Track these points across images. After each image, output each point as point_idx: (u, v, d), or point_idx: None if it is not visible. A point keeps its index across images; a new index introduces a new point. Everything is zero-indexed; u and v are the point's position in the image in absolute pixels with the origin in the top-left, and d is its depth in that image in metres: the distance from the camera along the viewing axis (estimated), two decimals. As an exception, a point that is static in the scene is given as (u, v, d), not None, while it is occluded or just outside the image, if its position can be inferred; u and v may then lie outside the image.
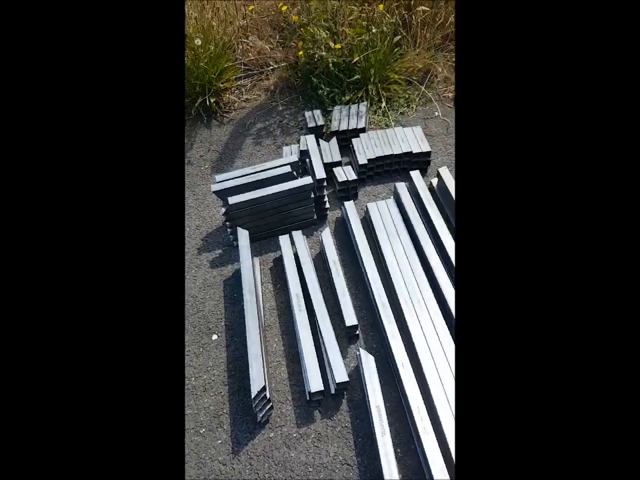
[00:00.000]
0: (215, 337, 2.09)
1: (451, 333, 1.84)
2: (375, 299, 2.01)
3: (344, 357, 1.93)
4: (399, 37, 3.20)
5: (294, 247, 2.24)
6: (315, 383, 1.76)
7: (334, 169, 2.51)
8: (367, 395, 1.73)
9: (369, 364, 1.80)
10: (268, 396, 1.77)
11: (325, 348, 1.86)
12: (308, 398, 1.81)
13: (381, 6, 3.07)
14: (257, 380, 1.75)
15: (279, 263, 2.30)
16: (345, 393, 1.85)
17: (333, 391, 1.81)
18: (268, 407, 1.78)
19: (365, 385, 1.76)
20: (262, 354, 1.85)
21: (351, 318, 1.95)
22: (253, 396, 1.71)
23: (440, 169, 2.43)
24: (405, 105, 3.15)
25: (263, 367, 1.81)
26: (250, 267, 2.10)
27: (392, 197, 2.45)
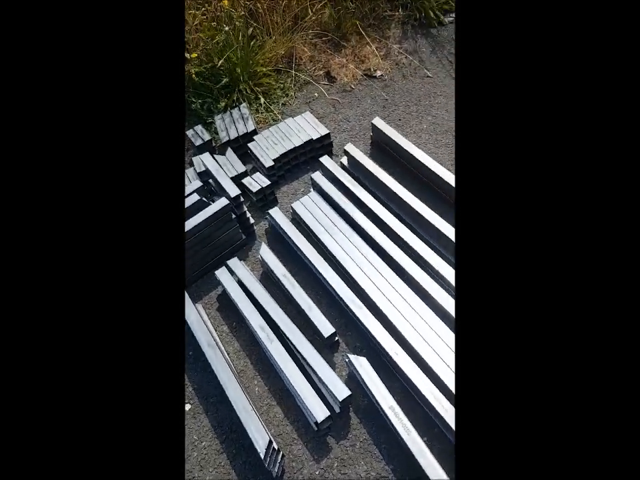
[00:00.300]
0: (187, 406, 1.81)
1: (426, 304, 1.80)
2: (341, 298, 1.89)
3: (333, 368, 1.79)
4: (251, 29, 3.05)
5: (235, 276, 2.02)
6: (319, 412, 1.61)
7: (243, 181, 2.31)
8: (376, 399, 1.62)
9: (364, 367, 1.69)
10: (276, 447, 1.57)
11: (313, 369, 1.71)
12: (316, 428, 1.65)
13: (226, 2, 2.87)
14: (260, 436, 1.54)
15: (224, 299, 2.07)
16: (350, 405, 1.72)
17: (337, 410, 1.67)
18: (279, 457, 1.58)
19: (369, 389, 1.65)
20: (251, 406, 1.64)
21: (326, 327, 1.81)
22: (262, 455, 1.50)
23: (346, 147, 2.37)
24: (283, 94, 3.02)
25: (258, 419, 1.60)
26: (198, 319, 1.84)
27: (312, 189, 2.33)
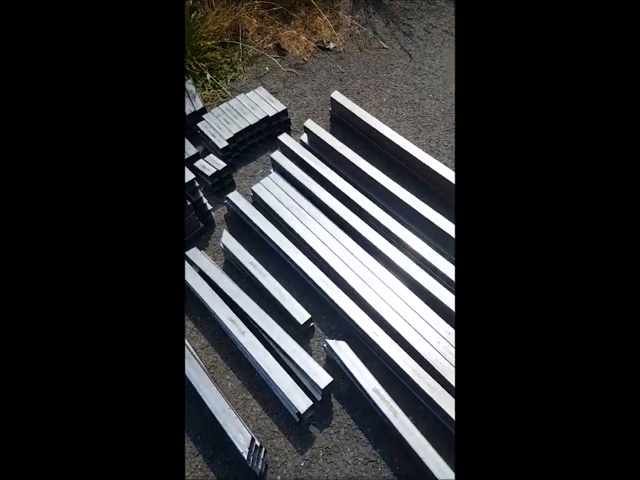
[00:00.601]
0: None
1: (400, 280, 1.76)
2: (313, 282, 1.80)
3: (310, 355, 1.71)
4: (190, 1, 2.81)
5: (195, 267, 1.87)
6: (301, 402, 1.53)
7: (195, 164, 2.14)
8: (358, 382, 1.57)
9: (344, 351, 1.62)
10: (258, 444, 1.48)
11: (291, 358, 1.62)
12: (298, 419, 1.57)
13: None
14: (240, 435, 1.44)
15: (185, 293, 1.91)
16: (331, 392, 1.65)
17: (319, 398, 1.60)
18: (262, 453, 1.49)
19: (351, 372, 1.59)
20: (227, 403, 1.52)
21: (301, 314, 1.72)
22: (245, 455, 1.40)
23: (305, 123, 2.25)
24: (231, 69, 2.83)
25: (237, 416, 1.50)
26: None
27: (272, 169, 2.20)
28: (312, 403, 1.52)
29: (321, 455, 1.56)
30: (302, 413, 1.51)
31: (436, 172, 1.96)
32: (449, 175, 1.92)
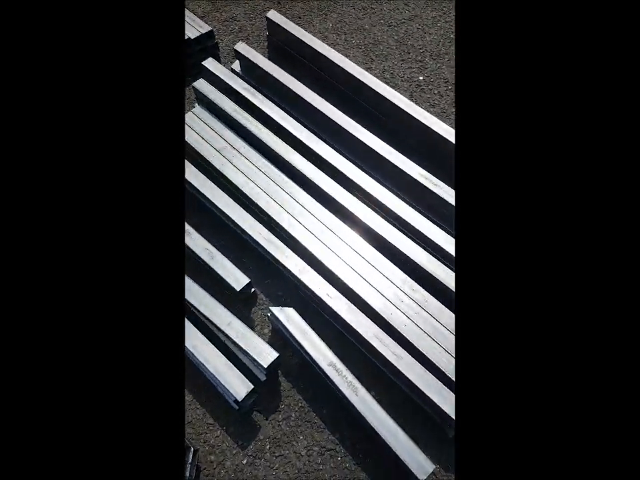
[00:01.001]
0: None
1: (356, 231, 1.46)
2: (252, 238, 1.46)
3: (252, 328, 1.40)
4: None
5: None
6: (240, 386, 1.21)
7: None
8: (311, 356, 1.27)
9: (292, 319, 1.31)
10: (186, 444, 1.15)
11: (225, 333, 1.29)
12: (237, 407, 1.26)
13: None
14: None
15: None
16: (278, 369, 1.35)
17: (263, 378, 1.30)
18: (190, 455, 1.17)
19: (301, 345, 1.29)
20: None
21: (238, 278, 1.39)
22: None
23: (236, 47, 1.83)
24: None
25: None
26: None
27: (196, 103, 1.79)
28: (252, 387, 1.21)
29: (268, 448, 1.27)
30: (240, 400, 1.20)
31: (396, 105, 1.64)
32: (410, 108, 1.62)
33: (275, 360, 1.25)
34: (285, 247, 1.44)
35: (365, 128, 1.61)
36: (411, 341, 1.28)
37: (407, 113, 1.60)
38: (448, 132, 1.55)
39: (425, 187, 1.47)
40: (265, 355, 1.26)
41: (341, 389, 1.23)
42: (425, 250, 1.41)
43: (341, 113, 1.65)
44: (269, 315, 1.36)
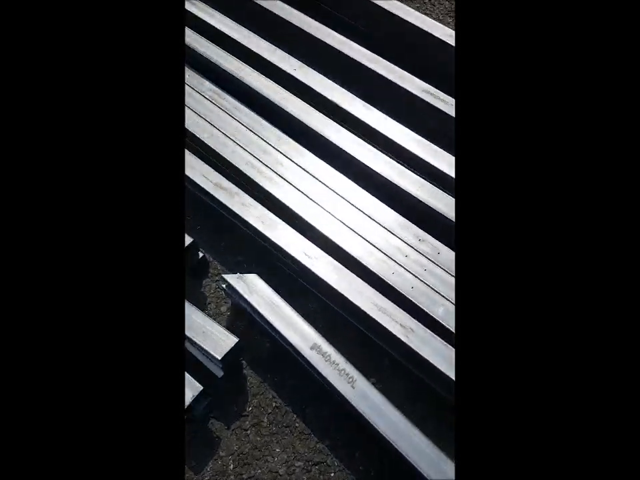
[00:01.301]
0: None
1: (334, 167, 1.10)
2: (198, 185, 1.09)
3: (203, 307, 1.03)
4: None
5: None
6: (185, 390, 0.85)
7: None
8: (285, 338, 0.92)
9: (255, 288, 0.95)
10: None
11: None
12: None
13: None
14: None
15: None
16: (241, 359, 1.00)
17: (220, 374, 0.93)
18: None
19: (271, 324, 0.93)
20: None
21: (176, 235, 1.01)
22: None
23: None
24: None
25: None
26: None
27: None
28: (202, 388, 0.85)
29: (232, 468, 0.91)
30: (185, 408, 0.83)
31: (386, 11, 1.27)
32: (400, 10, 1.25)
33: (233, 347, 0.89)
34: (245, 193, 1.07)
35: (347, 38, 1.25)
36: (422, 307, 0.93)
37: (398, 16, 1.24)
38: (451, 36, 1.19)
39: (430, 104, 1.11)
40: (221, 342, 0.89)
41: (329, 379, 0.88)
42: (433, 186, 1.06)
43: (313, 21, 1.28)
44: (224, 286, 0.99)
